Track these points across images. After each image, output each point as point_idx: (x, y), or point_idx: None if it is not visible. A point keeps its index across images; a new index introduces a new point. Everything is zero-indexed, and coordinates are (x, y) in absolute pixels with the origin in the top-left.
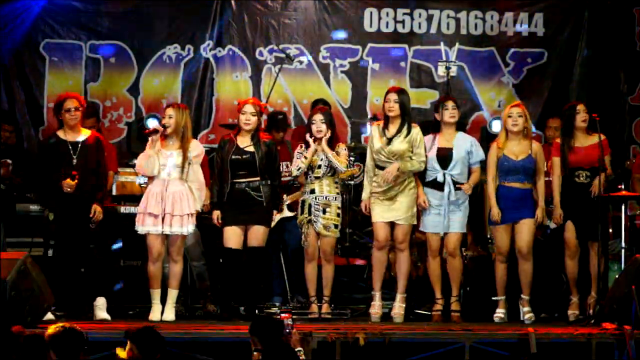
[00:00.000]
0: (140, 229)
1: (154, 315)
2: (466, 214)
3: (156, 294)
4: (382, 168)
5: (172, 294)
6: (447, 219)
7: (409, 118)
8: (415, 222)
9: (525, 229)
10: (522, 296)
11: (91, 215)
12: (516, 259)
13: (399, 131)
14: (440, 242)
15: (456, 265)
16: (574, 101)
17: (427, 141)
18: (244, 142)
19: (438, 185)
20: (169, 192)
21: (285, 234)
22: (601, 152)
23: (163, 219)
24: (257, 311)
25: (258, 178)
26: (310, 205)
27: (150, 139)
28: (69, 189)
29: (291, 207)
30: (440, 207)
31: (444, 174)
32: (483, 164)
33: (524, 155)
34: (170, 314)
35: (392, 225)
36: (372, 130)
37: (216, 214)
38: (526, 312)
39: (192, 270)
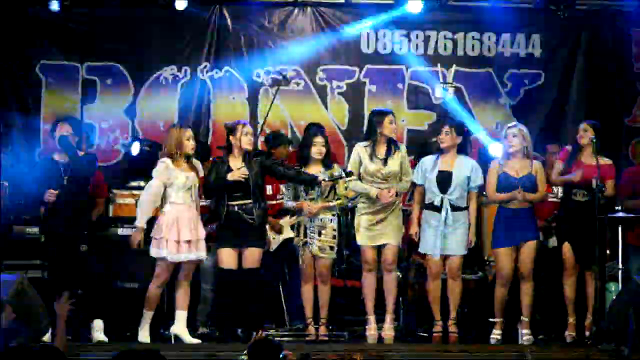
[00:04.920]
0: (176, 257)
1: (144, 336)
2: (466, 234)
3: (150, 316)
4: None
5: (185, 315)
6: (443, 241)
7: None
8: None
9: (528, 251)
10: (522, 318)
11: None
12: (516, 281)
13: (390, 151)
14: (440, 264)
15: (456, 288)
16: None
17: (429, 161)
18: (237, 163)
19: (437, 208)
20: (195, 216)
21: (288, 259)
22: (598, 172)
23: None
24: (254, 333)
25: (251, 200)
26: (305, 228)
27: None
28: (51, 198)
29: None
30: (445, 228)
31: (441, 198)
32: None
33: (524, 172)
34: (189, 337)
35: (380, 245)
36: (358, 152)
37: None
38: (525, 334)
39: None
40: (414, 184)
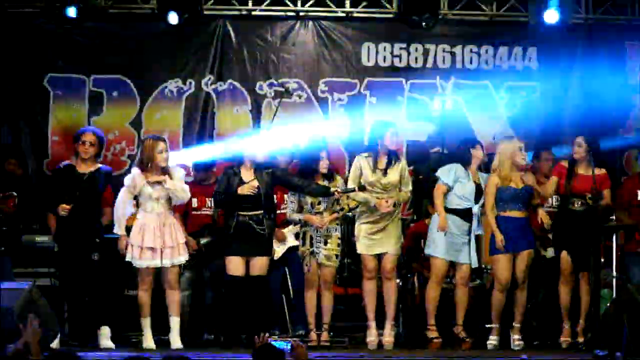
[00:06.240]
0: (138, 263)
1: (148, 343)
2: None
3: (147, 322)
4: None
5: (176, 321)
6: (469, 251)
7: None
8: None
9: (523, 259)
10: (515, 324)
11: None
12: (511, 288)
13: (390, 162)
14: (447, 270)
15: (466, 293)
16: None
17: (461, 170)
18: (248, 175)
19: (467, 216)
20: (165, 224)
21: (290, 267)
22: (594, 183)
23: (161, 251)
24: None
25: (261, 211)
26: (311, 237)
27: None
28: (63, 213)
29: (298, 235)
30: (462, 237)
31: (473, 208)
32: None
33: (523, 183)
34: (178, 342)
35: (379, 254)
36: (359, 162)
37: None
38: (516, 340)
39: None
40: (420, 189)
